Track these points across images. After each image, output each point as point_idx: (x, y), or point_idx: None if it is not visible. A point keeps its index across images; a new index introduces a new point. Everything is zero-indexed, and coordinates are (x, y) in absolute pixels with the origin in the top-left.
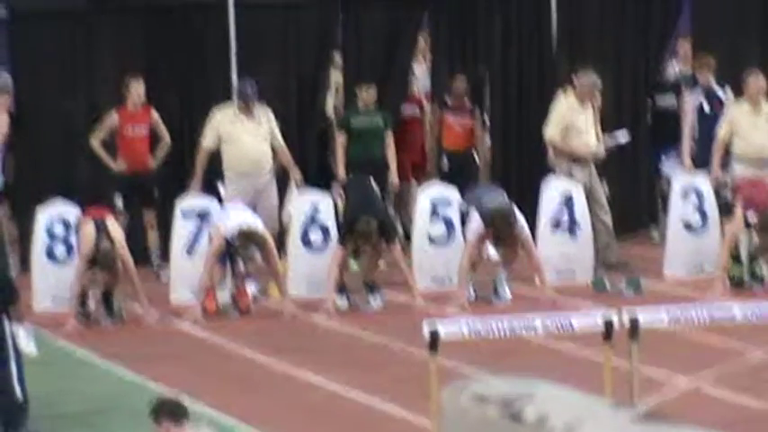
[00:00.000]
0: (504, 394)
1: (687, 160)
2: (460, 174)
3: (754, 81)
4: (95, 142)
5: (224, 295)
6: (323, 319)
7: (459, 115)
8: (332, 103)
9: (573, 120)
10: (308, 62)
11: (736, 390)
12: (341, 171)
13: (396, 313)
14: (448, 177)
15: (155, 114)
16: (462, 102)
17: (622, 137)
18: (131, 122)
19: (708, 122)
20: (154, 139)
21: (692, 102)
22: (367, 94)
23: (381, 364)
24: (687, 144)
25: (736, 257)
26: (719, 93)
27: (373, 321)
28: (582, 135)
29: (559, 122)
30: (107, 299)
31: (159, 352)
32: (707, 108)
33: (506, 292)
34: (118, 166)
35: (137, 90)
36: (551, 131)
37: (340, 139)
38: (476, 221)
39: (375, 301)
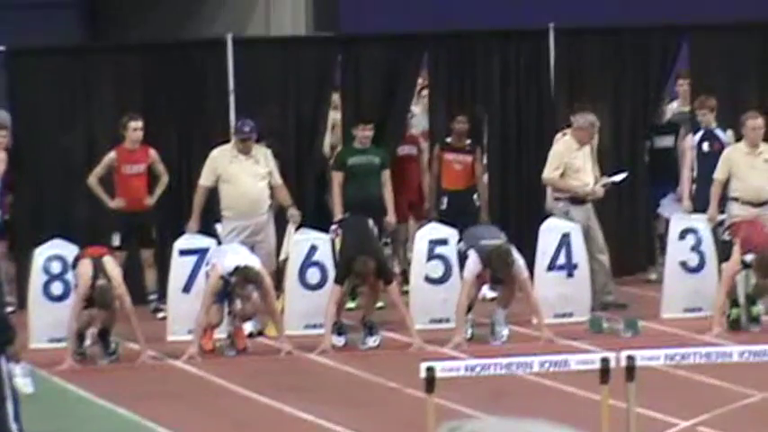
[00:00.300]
0: None
1: (686, 201)
2: (460, 213)
3: (752, 123)
4: (93, 180)
5: (221, 334)
6: (320, 359)
7: (460, 154)
8: (329, 142)
9: (570, 160)
10: (307, 102)
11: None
12: (338, 210)
13: (393, 352)
14: (447, 217)
15: (153, 153)
16: (463, 141)
17: (618, 176)
18: (129, 161)
19: (708, 163)
20: (152, 177)
21: (690, 142)
22: (363, 133)
23: (378, 404)
24: (687, 185)
25: (733, 299)
26: (720, 134)
27: (370, 360)
28: (579, 175)
29: (557, 163)
30: (104, 337)
31: (156, 390)
32: (707, 148)
33: (504, 331)
34: (116, 204)
35: (135, 130)
36: (548, 173)
37: (337, 179)
38: (473, 261)
39: (372, 341)
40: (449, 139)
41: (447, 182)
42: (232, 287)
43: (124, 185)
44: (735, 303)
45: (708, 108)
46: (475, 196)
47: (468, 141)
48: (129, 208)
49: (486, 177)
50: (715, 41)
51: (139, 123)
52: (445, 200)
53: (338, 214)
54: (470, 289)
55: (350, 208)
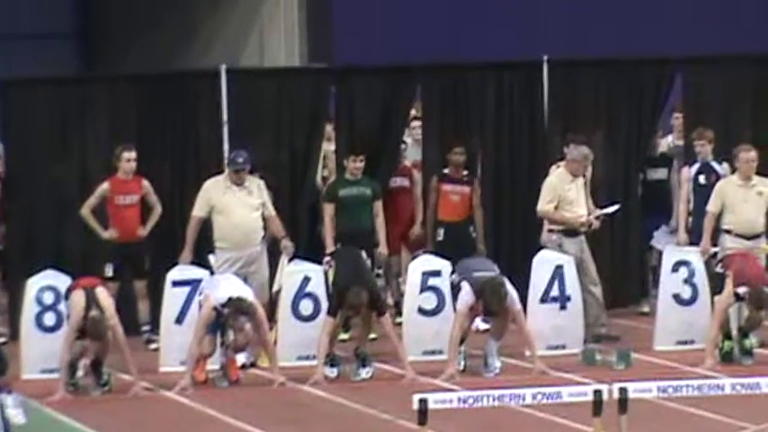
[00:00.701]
0: None
1: (683, 234)
2: (456, 245)
3: (745, 155)
4: (86, 211)
5: (214, 365)
6: (312, 390)
7: (458, 185)
8: (320, 174)
9: (564, 192)
10: (300, 133)
11: None
12: (329, 242)
13: (385, 384)
14: (443, 248)
15: (146, 184)
16: (460, 172)
17: (611, 208)
18: (122, 192)
19: (704, 195)
20: (145, 208)
21: (687, 174)
22: (354, 165)
23: None
24: (683, 217)
25: (726, 332)
26: (717, 167)
27: (363, 392)
28: (573, 207)
29: (551, 196)
30: (96, 368)
31: (148, 421)
32: (703, 181)
33: (496, 363)
34: (109, 234)
35: (128, 160)
36: (542, 205)
37: (328, 211)
38: (466, 293)
39: (365, 372)
40: (446, 170)
41: (444, 213)
42: (225, 318)
43: (117, 216)
44: (728, 336)
45: (706, 139)
46: (471, 228)
47: (466, 172)
48: (122, 239)
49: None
50: (708, 74)
51: (133, 154)
52: (442, 231)
53: (330, 246)
54: (463, 320)
55: (341, 240)
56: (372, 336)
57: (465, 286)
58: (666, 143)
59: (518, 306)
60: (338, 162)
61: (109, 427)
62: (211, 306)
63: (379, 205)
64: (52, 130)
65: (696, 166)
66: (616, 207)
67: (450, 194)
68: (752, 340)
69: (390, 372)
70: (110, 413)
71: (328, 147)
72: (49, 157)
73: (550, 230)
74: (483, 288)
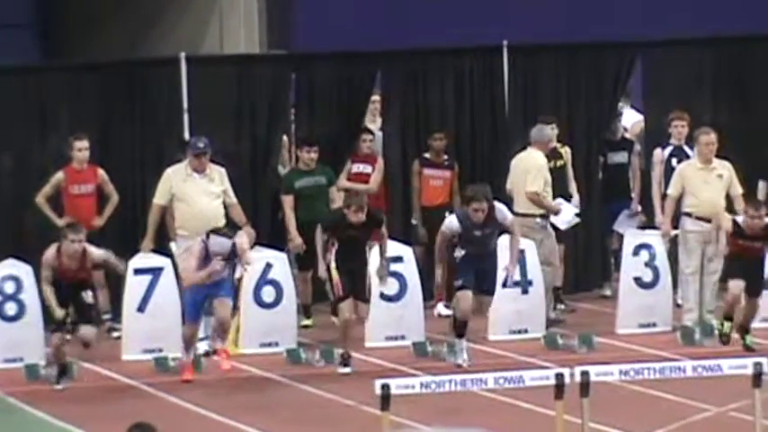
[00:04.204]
0: None
1: (659, 217)
2: (432, 230)
3: (705, 138)
4: (41, 199)
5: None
6: (275, 377)
7: (439, 170)
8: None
9: (546, 174)
10: (261, 119)
11: None
12: (293, 232)
13: (349, 370)
14: (417, 233)
15: (102, 173)
16: (441, 157)
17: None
18: (77, 182)
19: None
20: (102, 197)
21: (660, 156)
22: (308, 155)
23: (334, 422)
24: (657, 199)
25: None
26: (689, 150)
27: (326, 378)
28: (549, 189)
29: (543, 178)
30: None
31: (111, 411)
32: (676, 164)
33: (464, 356)
34: (62, 223)
35: (80, 150)
36: (537, 186)
37: (287, 202)
38: (451, 220)
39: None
40: (427, 155)
41: (424, 198)
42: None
43: (72, 206)
44: (728, 318)
45: (686, 121)
46: (447, 213)
47: (446, 157)
48: None
49: None
50: (668, 58)
51: (85, 143)
52: (417, 216)
53: (295, 237)
54: (442, 245)
55: (300, 230)
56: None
57: (451, 216)
58: (623, 126)
59: (510, 218)
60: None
61: (72, 417)
62: (200, 245)
63: (334, 190)
64: (11, 118)
65: (669, 149)
66: (572, 219)
67: (431, 179)
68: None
69: (355, 357)
70: (73, 403)
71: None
72: (9, 145)
73: (532, 215)
74: (467, 190)
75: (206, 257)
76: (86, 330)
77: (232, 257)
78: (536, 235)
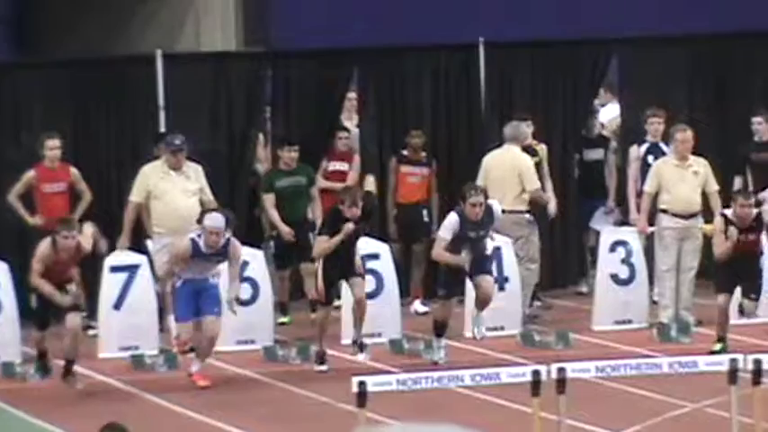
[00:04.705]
0: None
1: (634, 214)
2: (408, 227)
3: (681, 136)
4: (12, 197)
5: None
6: (252, 374)
7: (417, 167)
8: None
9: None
10: (237, 117)
11: None
12: (281, 225)
13: (325, 367)
14: (396, 231)
15: (75, 172)
16: (419, 154)
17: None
18: (49, 180)
19: None
20: (75, 195)
21: (636, 153)
22: (289, 155)
23: (310, 419)
24: (633, 196)
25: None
26: (665, 147)
27: (302, 375)
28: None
29: (535, 173)
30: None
31: (87, 408)
32: (652, 161)
33: (483, 330)
34: (34, 221)
35: (51, 149)
36: (537, 183)
37: (269, 200)
38: (451, 219)
39: (363, 357)
40: (405, 152)
41: (401, 195)
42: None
43: (44, 204)
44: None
45: (662, 118)
46: (425, 211)
47: (424, 154)
48: (49, 226)
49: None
50: (644, 55)
51: (56, 142)
52: (394, 212)
53: (285, 230)
54: (443, 250)
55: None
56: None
57: (451, 214)
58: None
59: (501, 218)
60: (273, 150)
61: (48, 414)
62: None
63: (314, 190)
64: None
65: (645, 146)
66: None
67: (409, 176)
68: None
69: (331, 355)
70: (49, 400)
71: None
72: None
73: (520, 211)
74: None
75: (194, 254)
76: (73, 318)
77: (224, 253)
78: (524, 231)
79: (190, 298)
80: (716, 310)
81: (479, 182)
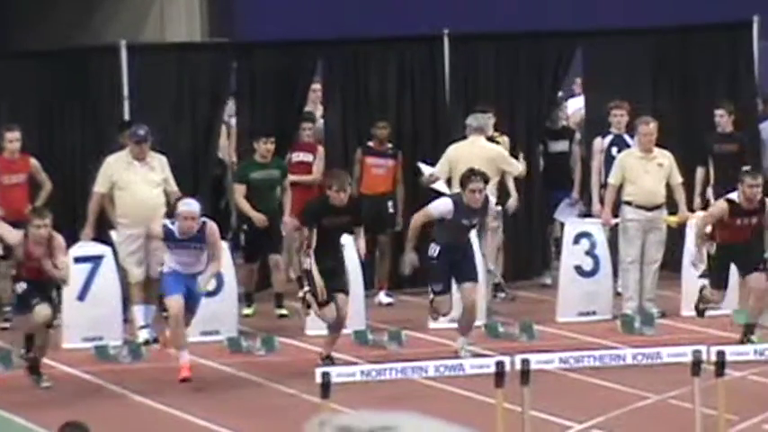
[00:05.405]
0: (369, 426)
1: (597, 206)
2: (372, 219)
3: (644, 128)
4: None
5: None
6: (217, 365)
7: (382, 158)
8: (224, 146)
9: None
10: (201, 108)
11: None
12: (253, 213)
13: (290, 359)
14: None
15: (34, 163)
16: (384, 145)
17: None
18: (9, 171)
19: None
20: (35, 186)
21: (600, 145)
22: (266, 147)
23: (275, 410)
24: (596, 188)
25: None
26: (629, 139)
27: (267, 367)
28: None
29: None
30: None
31: (50, 398)
32: (616, 153)
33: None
34: None
35: (11, 141)
36: (519, 164)
37: (239, 191)
38: (443, 201)
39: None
40: (370, 143)
41: (366, 186)
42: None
43: (4, 195)
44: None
45: (625, 110)
46: (390, 203)
47: (390, 145)
48: (9, 217)
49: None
50: (608, 48)
51: (16, 134)
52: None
53: (258, 218)
54: (420, 222)
55: (249, 222)
56: (284, 312)
57: (446, 198)
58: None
59: (494, 209)
60: (241, 137)
61: (11, 405)
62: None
63: (286, 182)
64: None
65: (609, 138)
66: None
67: (374, 168)
68: (653, 309)
69: (296, 346)
70: (12, 390)
71: (232, 121)
72: None
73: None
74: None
75: (168, 238)
76: (43, 308)
77: (200, 238)
78: (495, 223)
79: (179, 278)
80: (679, 302)
81: (441, 172)
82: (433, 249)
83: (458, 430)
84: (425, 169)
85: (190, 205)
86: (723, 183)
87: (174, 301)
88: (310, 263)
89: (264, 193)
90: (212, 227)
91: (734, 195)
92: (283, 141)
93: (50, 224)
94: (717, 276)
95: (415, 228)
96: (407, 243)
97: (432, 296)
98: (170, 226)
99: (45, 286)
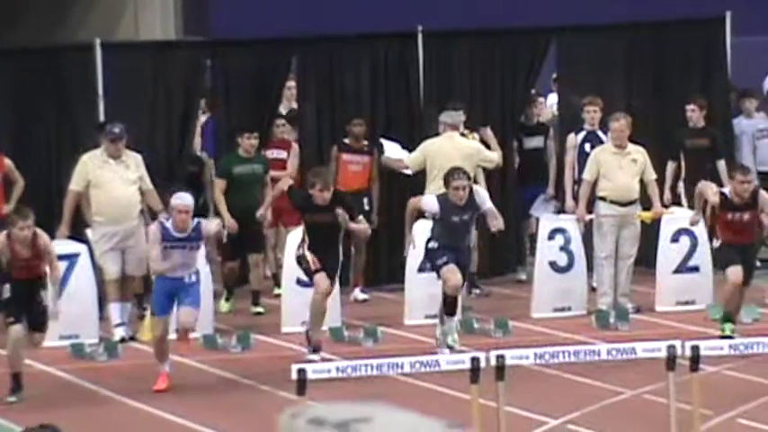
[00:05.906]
0: (341, 417)
1: (570, 201)
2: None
3: (617, 125)
4: None
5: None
6: (192, 363)
7: (357, 155)
8: (199, 143)
9: None
10: (176, 106)
11: (605, 430)
12: (226, 215)
13: (265, 356)
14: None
15: (7, 162)
16: (360, 142)
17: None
18: None
19: None
20: (8, 185)
21: (573, 141)
22: (249, 142)
23: (250, 407)
24: (569, 185)
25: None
26: (602, 136)
27: (242, 363)
28: None
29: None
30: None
31: (26, 396)
32: (589, 149)
33: (455, 336)
34: None
35: None
36: (495, 154)
37: (219, 185)
38: (430, 198)
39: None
40: (346, 140)
41: (341, 183)
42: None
43: None
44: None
45: (598, 106)
46: (366, 200)
47: (366, 143)
48: None
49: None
50: (582, 43)
51: None
52: None
53: (230, 220)
54: (413, 210)
55: (231, 215)
56: (260, 310)
57: (430, 195)
58: (538, 111)
59: (489, 203)
60: (218, 135)
61: None
62: (157, 225)
63: (267, 178)
64: None
65: (582, 134)
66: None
67: (350, 164)
68: (628, 304)
69: (271, 344)
70: None
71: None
72: None
73: None
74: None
75: (165, 238)
76: (38, 337)
77: (195, 237)
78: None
79: (167, 292)
80: (653, 298)
81: (414, 164)
82: (433, 243)
83: (429, 421)
84: (388, 146)
85: (183, 198)
86: (694, 177)
87: (161, 322)
88: (304, 248)
89: (245, 187)
90: (207, 223)
91: (726, 189)
92: (258, 138)
93: (33, 224)
94: (726, 258)
95: (409, 213)
96: (406, 226)
97: (439, 269)
98: (165, 224)
99: (34, 286)
